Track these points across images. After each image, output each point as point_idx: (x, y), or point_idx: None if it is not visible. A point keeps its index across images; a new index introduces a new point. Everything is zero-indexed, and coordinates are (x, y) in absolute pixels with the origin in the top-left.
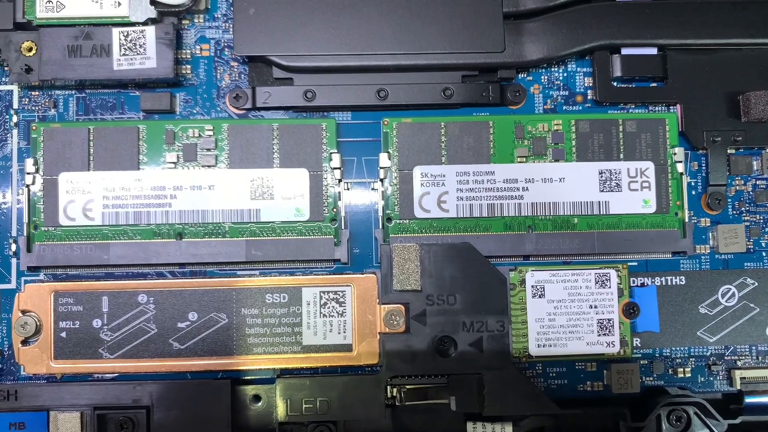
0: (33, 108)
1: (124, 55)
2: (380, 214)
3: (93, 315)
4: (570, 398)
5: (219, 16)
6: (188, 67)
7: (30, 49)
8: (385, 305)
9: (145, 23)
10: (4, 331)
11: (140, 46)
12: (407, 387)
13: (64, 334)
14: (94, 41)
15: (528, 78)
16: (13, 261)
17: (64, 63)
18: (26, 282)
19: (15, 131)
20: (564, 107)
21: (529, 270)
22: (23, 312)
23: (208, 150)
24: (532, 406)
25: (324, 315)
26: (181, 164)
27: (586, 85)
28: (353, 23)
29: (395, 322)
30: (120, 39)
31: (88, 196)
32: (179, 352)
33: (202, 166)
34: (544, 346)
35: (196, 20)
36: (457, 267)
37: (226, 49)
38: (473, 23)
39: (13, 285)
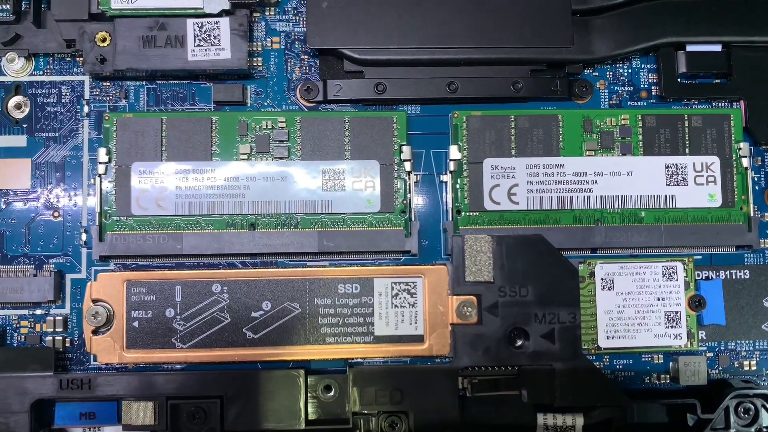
0: (104, 98)
1: (198, 46)
2: (450, 206)
3: (166, 304)
4: (636, 390)
5: (289, 9)
6: (259, 59)
7: (104, 40)
8: (457, 296)
9: (219, 14)
10: (75, 321)
11: (214, 38)
12: (477, 378)
13: (136, 324)
14: (168, 32)
15: (594, 74)
16: (83, 251)
17: (138, 53)
18: (97, 272)
19: (86, 121)
20: (629, 103)
21: (598, 262)
22: (94, 301)
23: (281, 142)
24: (604, 397)
25: (396, 306)
26: (254, 155)
27: (650, 81)
28: (424, 17)
29: (468, 314)
30: (194, 30)
31: (161, 186)
32: (252, 341)
33: (275, 158)
34: (613, 338)
35: (267, 13)
36: (529, 259)
37: (297, 42)
38: (542, 18)
39: (83, 275)
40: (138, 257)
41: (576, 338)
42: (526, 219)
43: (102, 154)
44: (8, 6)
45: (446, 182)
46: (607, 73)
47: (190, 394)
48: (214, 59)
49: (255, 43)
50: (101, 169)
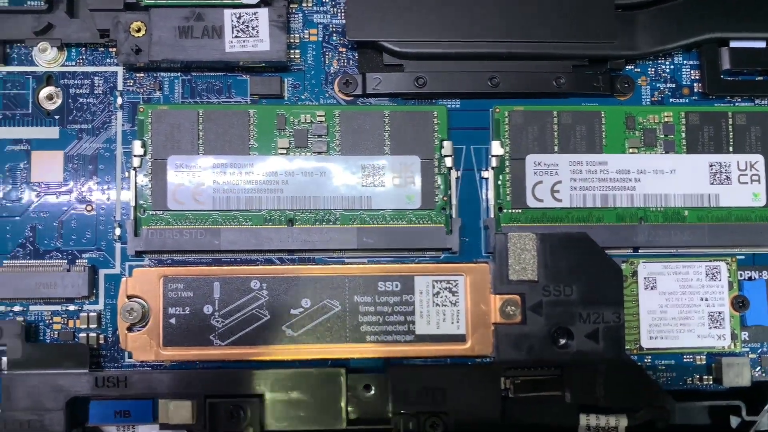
0: (138, 90)
1: (236, 37)
2: (491, 202)
3: (204, 301)
4: (678, 391)
5: (327, 0)
6: (297, 51)
7: (138, 30)
8: (500, 295)
9: (257, 5)
10: (108, 317)
11: (253, 29)
12: (519, 378)
13: (173, 321)
14: (205, 22)
15: (635, 70)
16: (117, 246)
17: (174, 44)
18: (131, 267)
19: (119, 113)
20: (670, 99)
21: (641, 262)
22: (129, 297)
23: (320, 136)
24: (649, 398)
25: (437, 304)
26: (293, 150)
27: (692, 77)
28: (465, 9)
29: (511, 313)
30: (232, 20)
31: (198, 180)
32: (292, 339)
33: (314, 153)
34: (656, 338)
35: (304, 4)
36: (573, 257)
37: (335, 35)
38: (585, 13)
39: (117, 270)
40: (173, 253)
41: (620, 338)
42: (569, 217)
43: (137, 147)
44: None
45: (487, 178)
46: (649, 69)
47: (228, 393)
48: (252, 51)
49: (292, 35)
50: (136, 162)
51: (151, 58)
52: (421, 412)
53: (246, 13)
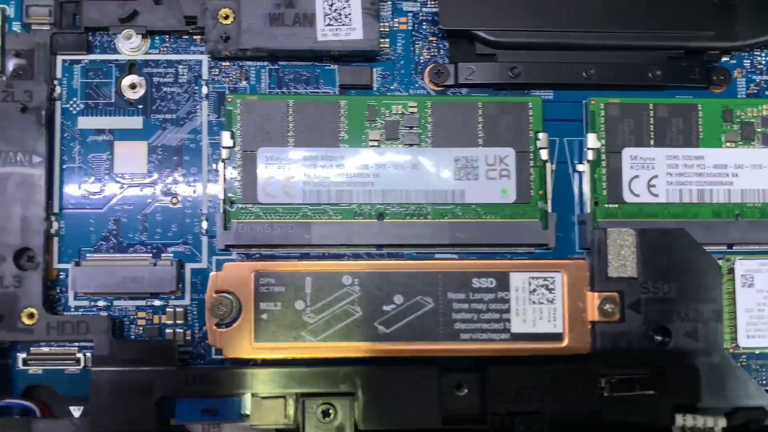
0: (223, 79)
1: (328, 25)
2: (588, 197)
3: (296, 296)
4: None
5: None
6: (386, 40)
7: (226, 17)
8: (598, 293)
9: None
10: (195, 312)
11: (345, 16)
12: (615, 377)
13: (265, 316)
14: (296, 9)
15: (732, 61)
16: (204, 239)
17: (265, 32)
18: (219, 261)
19: (205, 103)
20: (766, 92)
21: (738, 259)
22: (218, 292)
23: (411, 128)
24: (749, 397)
25: (533, 302)
26: (384, 142)
27: None
28: None
29: (610, 311)
30: (324, 8)
31: (288, 173)
32: (385, 336)
33: (405, 145)
34: (753, 337)
35: None
36: (671, 254)
37: (425, 23)
38: (682, 2)
39: (203, 264)
40: (263, 247)
41: (719, 337)
42: (665, 212)
43: (226, 138)
44: None
45: (582, 172)
46: (745, 60)
47: (321, 391)
48: (345, 39)
49: (381, 24)
50: (224, 153)
51: (240, 46)
52: (516, 412)
53: (338, 1)
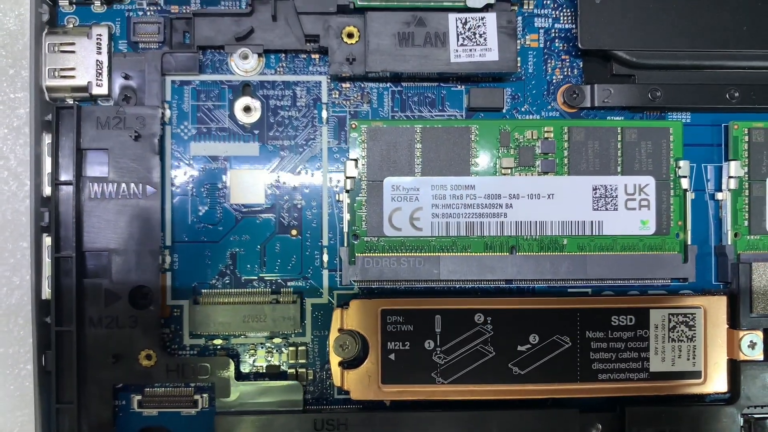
0: (344, 102)
1: (461, 45)
2: (728, 227)
3: (425, 335)
4: None
5: (549, 2)
6: (517, 59)
7: (351, 36)
8: (740, 330)
9: (483, 9)
10: (317, 350)
11: (480, 36)
12: (756, 416)
13: (392, 356)
14: (427, 28)
15: None
16: (325, 273)
17: (394, 53)
18: (340, 296)
19: (325, 128)
20: None
21: None
22: (341, 330)
23: (547, 154)
24: None
25: (672, 339)
26: (517, 169)
27: None
28: (702, 17)
29: (753, 348)
30: (457, 27)
31: (416, 204)
32: (519, 377)
33: (541, 172)
34: None
35: (524, 7)
36: None
37: (557, 40)
38: None
39: (325, 300)
40: (391, 282)
41: None
42: None
43: (351, 168)
44: None
45: (721, 200)
46: None
47: None
48: (480, 61)
49: None
50: (348, 184)
51: (368, 69)
52: None
53: (472, 19)
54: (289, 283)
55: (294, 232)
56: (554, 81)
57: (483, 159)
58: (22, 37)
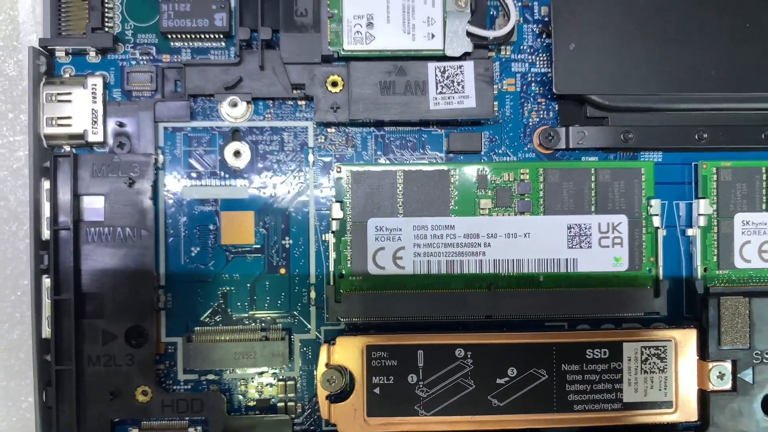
0: (329, 147)
1: (440, 93)
2: (698, 262)
3: (408, 370)
4: None
5: (525, 47)
6: (495, 103)
7: (335, 84)
8: (709, 361)
9: (461, 57)
10: (304, 384)
11: (458, 83)
12: None
13: (377, 390)
14: (407, 77)
15: None
16: (312, 310)
17: (376, 101)
18: (327, 332)
19: (312, 171)
20: None
21: None
22: (327, 365)
23: (523, 195)
24: None
25: (645, 371)
26: (495, 209)
27: None
28: (673, 59)
29: (721, 380)
30: (436, 75)
31: (399, 243)
32: (498, 409)
33: (518, 212)
34: None
35: (501, 53)
36: None
37: (533, 84)
38: None
39: (312, 335)
40: (374, 318)
41: None
42: None
43: (336, 210)
44: (234, 46)
45: (693, 236)
46: None
47: None
48: (458, 108)
49: None
50: (334, 225)
51: (352, 117)
52: None
53: (450, 67)
54: (278, 320)
55: (282, 270)
56: (531, 123)
57: (462, 200)
58: (20, 83)
